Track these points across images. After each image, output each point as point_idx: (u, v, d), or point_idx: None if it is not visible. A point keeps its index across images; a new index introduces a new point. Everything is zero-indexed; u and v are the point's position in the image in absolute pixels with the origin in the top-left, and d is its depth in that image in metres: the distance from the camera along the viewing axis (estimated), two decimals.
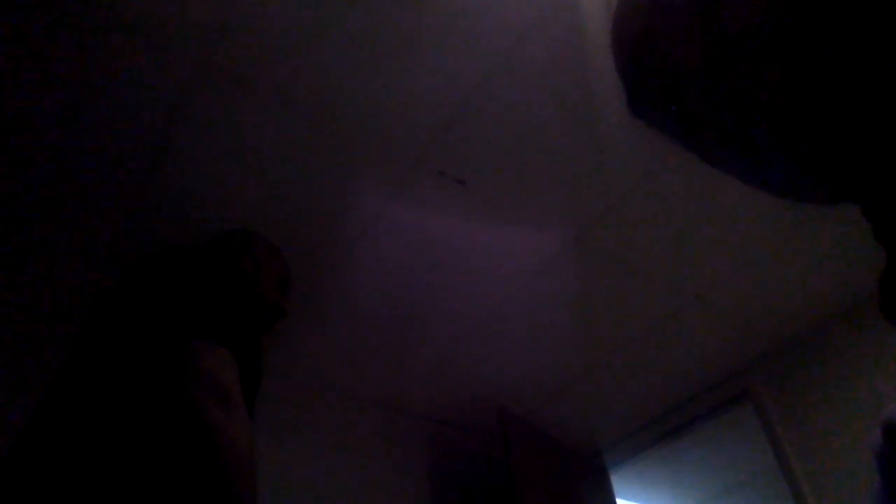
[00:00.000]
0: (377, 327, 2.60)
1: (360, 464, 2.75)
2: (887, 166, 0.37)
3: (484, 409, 2.99)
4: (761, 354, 2.91)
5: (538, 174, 2.08)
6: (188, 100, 1.77)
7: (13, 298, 2.21)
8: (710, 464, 3.66)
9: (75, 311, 2.25)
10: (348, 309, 2.50)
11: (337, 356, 2.71)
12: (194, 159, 1.93)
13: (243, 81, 1.75)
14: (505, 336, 2.71)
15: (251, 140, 1.89)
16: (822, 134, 0.37)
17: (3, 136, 1.80)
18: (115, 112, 1.78)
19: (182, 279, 1.15)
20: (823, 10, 0.35)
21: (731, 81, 0.40)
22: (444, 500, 2.90)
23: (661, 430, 3.23)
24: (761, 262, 2.45)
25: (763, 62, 0.38)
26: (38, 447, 0.96)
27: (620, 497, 3.34)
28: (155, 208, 2.04)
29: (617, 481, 3.35)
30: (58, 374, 1.10)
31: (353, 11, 1.63)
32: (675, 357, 2.90)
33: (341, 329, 2.58)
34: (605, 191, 2.15)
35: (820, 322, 2.74)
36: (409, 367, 2.83)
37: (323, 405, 2.81)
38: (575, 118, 1.92)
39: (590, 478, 3.25)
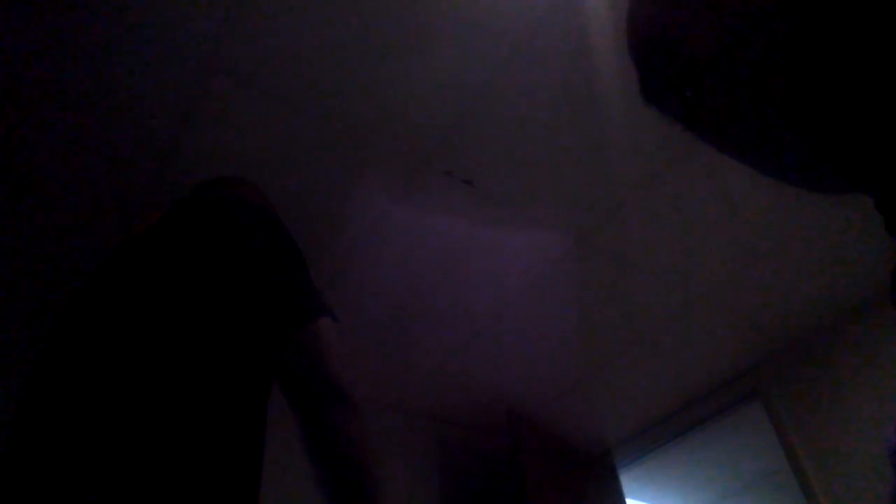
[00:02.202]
0: (384, 328, 2.60)
1: None
2: None
3: (493, 409, 2.99)
4: (771, 352, 2.89)
5: (545, 173, 2.08)
6: (195, 101, 1.78)
7: (16, 299, 2.23)
8: (719, 463, 3.64)
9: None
10: (355, 309, 2.50)
11: (345, 357, 2.71)
12: (201, 161, 1.93)
13: (249, 83, 1.75)
14: (513, 336, 2.70)
15: (257, 141, 1.90)
16: (836, 122, 0.37)
17: (8, 138, 1.81)
18: (122, 114, 1.79)
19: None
20: None
21: (745, 67, 0.40)
22: (454, 501, 2.90)
23: (670, 430, 3.22)
24: (770, 260, 2.44)
25: (777, 48, 0.38)
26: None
27: (630, 497, 3.34)
28: (162, 208, 2.05)
29: (626, 481, 3.34)
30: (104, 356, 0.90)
31: (358, 11, 1.63)
32: (684, 356, 2.89)
33: (348, 329, 2.58)
34: (612, 188, 2.15)
35: (830, 319, 2.72)
36: (417, 368, 2.83)
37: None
38: (580, 117, 1.92)
39: (599, 478, 3.24)
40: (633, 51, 0.50)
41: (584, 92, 1.85)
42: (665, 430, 3.23)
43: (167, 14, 1.59)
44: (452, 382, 2.92)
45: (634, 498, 3.78)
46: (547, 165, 2.05)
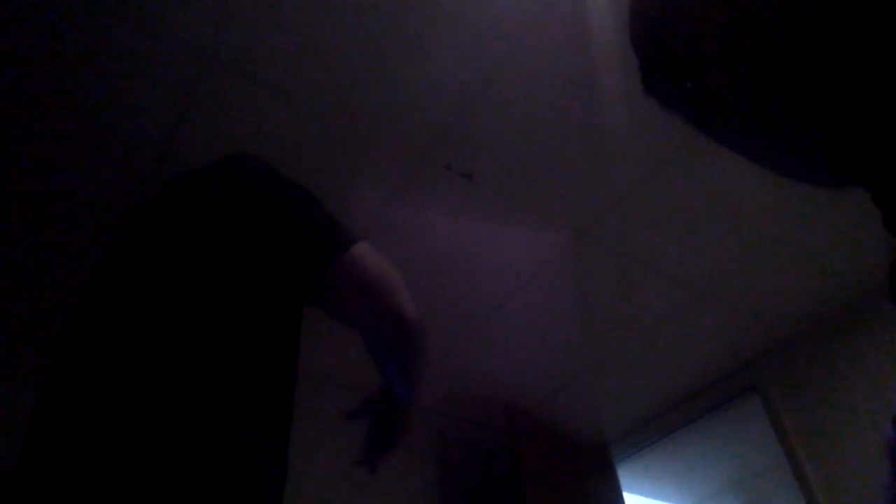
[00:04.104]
0: None
1: None
2: None
3: (491, 403, 3.00)
4: (769, 347, 2.89)
5: (544, 168, 2.07)
6: (192, 97, 1.77)
7: (15, 295, 2.22)
8: (717, 458, 3.65)
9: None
10: None
11: (343, 351, 2.71)
12: (199, 156, 1.93)
13: (248, 78, 1.75)
14: (512, 331, 2.71)
15: (255, 137, 1.89)
16: (836, 115, 0.37)
17: (6, 134, 1.80)
18: (119, 109, 1.78)
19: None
20: None
21: (747, 59, 0.40)
22: (452, 495, 2.91)
23: (668, 424, 3.22)
24: (768, 256, 2.44)
25: (779, 41, 0.38)
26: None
27: (627, 491, 3.34)
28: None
29: (624, 475, 3.35)
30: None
31: (358, 6, 1.63)
32: (682, 351, 2.89)
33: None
34: (611, 184, 2.15)
35: (828, 314, 2.72)
36: None
37: (330, 401, 2.81)
38: (580, 112, 1.92)
39: (597, 472, 3.25)
40: (636, 42, 0.50)
41: (584, 86, 1.84)
42: (663, 425, 3.24)
43: (165, 9, 1.58)
44: (451, 377, 2.92)
45: (632, 492, 3.78)
46: (546, 161, 2.05)
